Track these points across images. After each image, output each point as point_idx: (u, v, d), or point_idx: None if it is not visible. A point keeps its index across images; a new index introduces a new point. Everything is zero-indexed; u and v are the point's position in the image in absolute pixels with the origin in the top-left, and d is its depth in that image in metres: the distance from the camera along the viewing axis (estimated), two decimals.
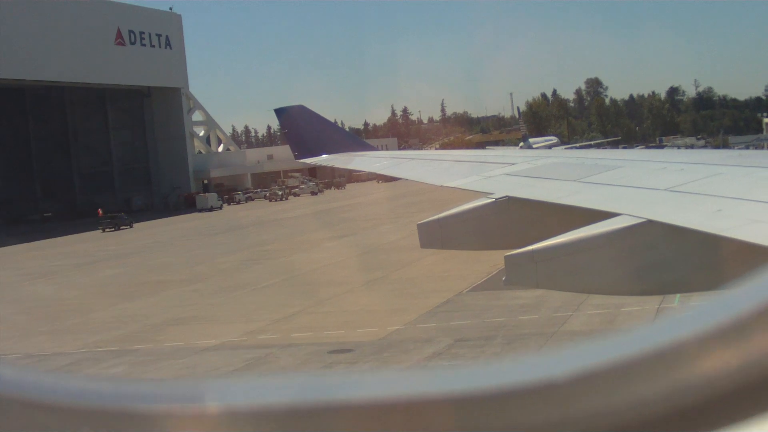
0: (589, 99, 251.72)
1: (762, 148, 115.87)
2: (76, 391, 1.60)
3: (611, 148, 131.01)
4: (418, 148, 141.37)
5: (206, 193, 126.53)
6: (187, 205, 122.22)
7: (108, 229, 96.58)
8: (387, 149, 72.00)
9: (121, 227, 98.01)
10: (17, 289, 47.20)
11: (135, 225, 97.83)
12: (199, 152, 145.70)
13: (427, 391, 1.46)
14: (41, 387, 1.61)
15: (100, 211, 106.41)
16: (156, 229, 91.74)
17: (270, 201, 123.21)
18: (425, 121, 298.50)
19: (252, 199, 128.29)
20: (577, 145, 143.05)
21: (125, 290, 43.04)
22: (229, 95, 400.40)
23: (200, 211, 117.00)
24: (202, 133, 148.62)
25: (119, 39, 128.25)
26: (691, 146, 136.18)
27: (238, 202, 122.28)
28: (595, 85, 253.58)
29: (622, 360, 1.44)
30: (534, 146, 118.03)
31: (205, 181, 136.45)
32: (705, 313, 1.50)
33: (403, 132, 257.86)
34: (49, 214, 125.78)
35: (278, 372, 25.55)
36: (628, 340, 1.52)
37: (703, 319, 1.46)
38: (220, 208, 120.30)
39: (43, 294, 44.66)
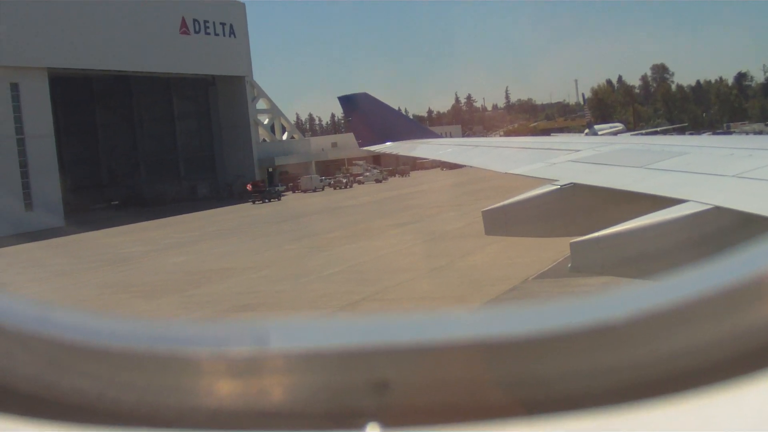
0: (655, 85, 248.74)
1: None
2: (124, 334, 1.62)
3: (678, 134, 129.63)
4: (483, 136, 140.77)
5: (312, 175, 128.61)
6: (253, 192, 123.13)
7: (257, 202, 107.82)
8: (451, 136, 71.93)
9: (271, 200, 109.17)
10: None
11: (204, 211, 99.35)
12: (264, 140, 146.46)
13: (483, 332, 1.47)
14: (88, 330, 1.63)
15: (249, 186, 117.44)
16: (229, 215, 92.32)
17: (334, 189, 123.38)
18: (489, 108, 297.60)
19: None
20: (643, 131, 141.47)
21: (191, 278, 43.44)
22: (293, 83, 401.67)
23: (304, 192, 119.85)
24: (266, 122, 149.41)
25: (184, 28, 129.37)
26: (760, 132, 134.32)
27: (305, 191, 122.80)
28: (661, 71, 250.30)
29: (681, 302, 1.44)
30: (599, 133, 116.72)
31: (270, 170, 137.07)
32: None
33: (467, 119, 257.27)
34: (116, 202, 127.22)
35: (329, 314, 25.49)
36: (687, 283, 1.50)
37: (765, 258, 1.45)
38: (323, 189, 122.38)
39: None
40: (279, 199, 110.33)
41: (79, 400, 1.53)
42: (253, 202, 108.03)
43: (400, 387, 1.44)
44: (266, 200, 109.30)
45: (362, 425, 1.41)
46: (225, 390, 1.49)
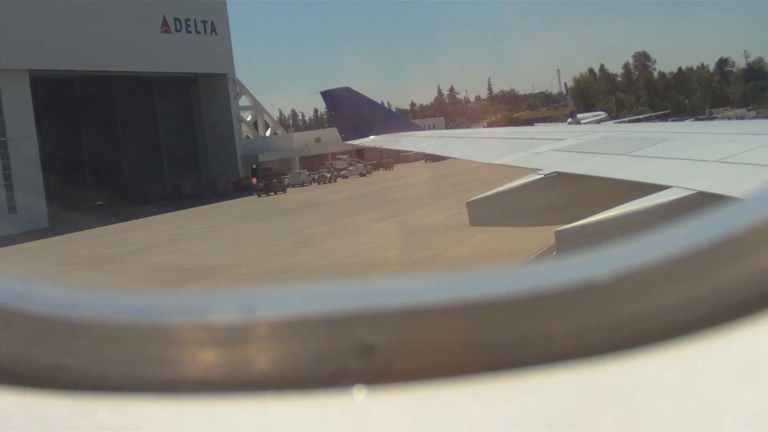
0: (636, 73, 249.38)
1: None
2: (106, 307, 1.59)
3: (660, 121, 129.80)
4: (466, 127, 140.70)
5: (299, 170, 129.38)
6: (236, 189, 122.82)
7: (263, 195, 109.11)
8: (434, 129, 71.91)
9: (278, 192, 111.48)
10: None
11: (189, 209, 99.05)
12: (247, 137, 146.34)
13: (467, 294, 1.45)
14: (70, 304, 1.59)
15: (254, 180, 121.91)
16: (212, 212, 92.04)
17: (319, 183, 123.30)
18: (472, 99, 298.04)
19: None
20: (626, 119, 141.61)
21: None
22: (276, 79, 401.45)
23: (292, 186, 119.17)
24: (249, 118, 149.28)
25: (165, 27, 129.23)
26: (742, 117, 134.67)
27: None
28: (642, 58, 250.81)
29: (667, 257, 1.42)
30: (582, 122, 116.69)
31: (254, 166, 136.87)
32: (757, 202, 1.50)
33: (450, 111, 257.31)
34: (100, 202, 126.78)
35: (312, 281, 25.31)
36: (674, 237, 1.49)
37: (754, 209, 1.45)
38: (310, 183, 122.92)
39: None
40: (285, 192, 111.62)
41: (63, 377, 1.52)
42: (259, 195, 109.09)
43: (385, 350, 1.44)
44: (271, 193, 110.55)
45: (348, 387, 1.42)
46: (210, 358, 1.49)
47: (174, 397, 1.47)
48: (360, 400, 1.42)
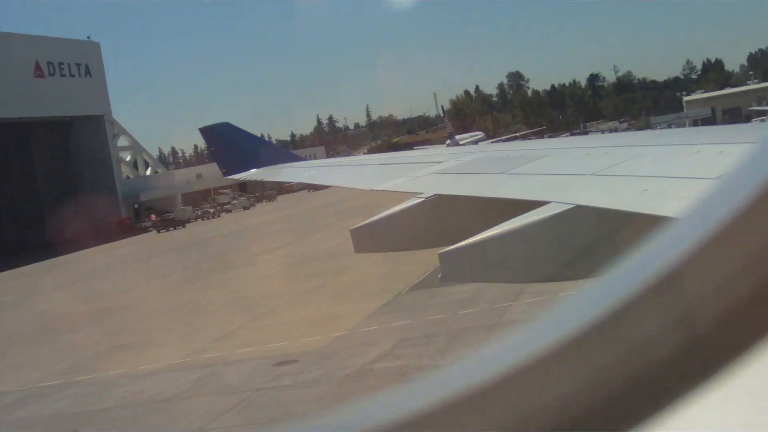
0: (511, 92, 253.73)
1: (683, 126, 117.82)
2: None
3: (536, 138, 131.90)
4: (347, 155, 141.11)
5: (183, 207, 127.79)
6: (120, 230, 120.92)
7: (162, 231, 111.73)
8: (315, 158, 71.81)
9: (177, 228, 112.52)
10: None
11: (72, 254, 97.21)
12: (127, 177, 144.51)
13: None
14: None
15: (153, 216, 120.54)
16: (89, 258, 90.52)
17: (203, 219, 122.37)
18: (351, 127, 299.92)
19: None
20: (503, 138, 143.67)
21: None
22: (154, 118, 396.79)
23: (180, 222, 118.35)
24: (128, 158, 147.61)
25: (38, 71, 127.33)
26: (615, 130, 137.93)
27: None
28: (516, 78, 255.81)
29: (533, 355, 1.24)
30: (460, 143, 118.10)
31: (136, 206, 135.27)
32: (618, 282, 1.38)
33: (330, 140, 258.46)
34: None
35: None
36: (537, 332, 1.31)
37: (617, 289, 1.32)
38: (195, 220, 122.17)
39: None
40: (184, 227, 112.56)
41: None
42: (158, 231, 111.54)
43: None
44: (170, 228, 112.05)
45: None
46: None
47: None
48: None
